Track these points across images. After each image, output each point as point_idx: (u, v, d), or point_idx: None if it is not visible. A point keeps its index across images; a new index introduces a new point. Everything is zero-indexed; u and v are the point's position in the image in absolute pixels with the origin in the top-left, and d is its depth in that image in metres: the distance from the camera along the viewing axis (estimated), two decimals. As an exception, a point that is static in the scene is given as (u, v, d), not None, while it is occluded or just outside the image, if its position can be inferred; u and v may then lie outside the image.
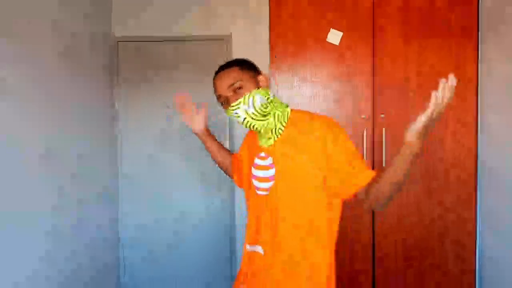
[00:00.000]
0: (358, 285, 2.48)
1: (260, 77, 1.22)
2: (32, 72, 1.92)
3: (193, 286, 2.95)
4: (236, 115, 1.16)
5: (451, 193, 2.42)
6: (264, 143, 1.24)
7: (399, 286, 2.47)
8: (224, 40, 2.83)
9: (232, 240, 2.90)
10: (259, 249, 1.23)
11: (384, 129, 2.42)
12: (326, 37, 2.44)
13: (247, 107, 1.15)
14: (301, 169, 1.15)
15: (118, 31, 2.91)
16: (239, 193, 2.93)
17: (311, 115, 1.20)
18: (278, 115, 1.20)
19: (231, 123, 2.86)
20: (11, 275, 1.73)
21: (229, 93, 1.17)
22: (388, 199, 1.06)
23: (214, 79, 1.22)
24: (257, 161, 1.25)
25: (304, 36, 2.46)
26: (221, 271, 2.93)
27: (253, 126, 1.18)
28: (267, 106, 1.18)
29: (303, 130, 1.17)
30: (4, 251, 1.70)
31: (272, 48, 2.47)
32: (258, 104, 1.15)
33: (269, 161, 1.21)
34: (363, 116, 2.44)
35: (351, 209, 2.44)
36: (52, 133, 2.08)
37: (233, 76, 1.17)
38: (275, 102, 1.21)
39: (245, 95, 1.15)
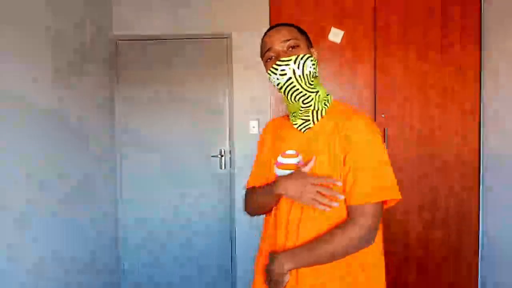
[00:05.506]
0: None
1: (313, 50, 1.12)
2: (31, 71, 1.90)
3: (194, 286, 2.94)
4: (282, 71, 1.04)
5: (454, 190, 2.39)
6: (300, 125, 1.10)
7: (399, 284, 2.45)
8: (224, 39, 2.81)
9: (232, 241, 2.87)
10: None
11: (386, 129, 2.40)
12: (327, 36, 2.42)
13: (296, 67, 1.04)
14: (320, 169, 1.05)
15: (118, 30, 2.89)
16: (239, 194, 2.90)
17: (350, 113, 1.07)
18: (321, 96, 1.08)
19: (231, 123, 2.84)
20: (12, 275, 1.71)
21: (282, 48, 1.06)
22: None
23: (266, 34, 1.11)
24: (282, 160, 1.12)
25: (305, 35, 2.44)
26: (222, 270, 2.91)
27: (294, 92, 1.06)
28: (314, 79, 1.07)
29: (337, 127, 1.05)
30: (5, 251, 1.68)
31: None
32: (307, 70, 1.05)
33: (298, 158, 1.09)
34: (364, 116, 2.42)
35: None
36: (51, 133, 2.06)
37: (292, 34, 1.08)
38: (320, 84, 1.11)
39: (298, 55, 1.05)
